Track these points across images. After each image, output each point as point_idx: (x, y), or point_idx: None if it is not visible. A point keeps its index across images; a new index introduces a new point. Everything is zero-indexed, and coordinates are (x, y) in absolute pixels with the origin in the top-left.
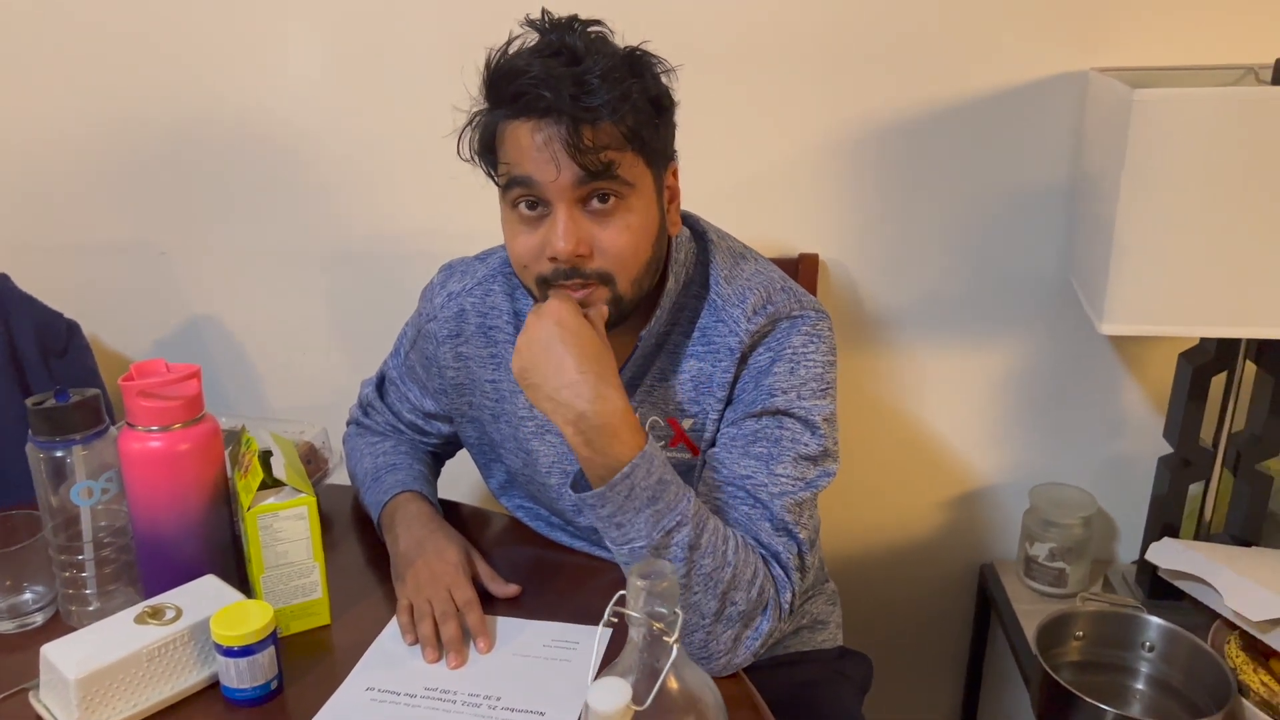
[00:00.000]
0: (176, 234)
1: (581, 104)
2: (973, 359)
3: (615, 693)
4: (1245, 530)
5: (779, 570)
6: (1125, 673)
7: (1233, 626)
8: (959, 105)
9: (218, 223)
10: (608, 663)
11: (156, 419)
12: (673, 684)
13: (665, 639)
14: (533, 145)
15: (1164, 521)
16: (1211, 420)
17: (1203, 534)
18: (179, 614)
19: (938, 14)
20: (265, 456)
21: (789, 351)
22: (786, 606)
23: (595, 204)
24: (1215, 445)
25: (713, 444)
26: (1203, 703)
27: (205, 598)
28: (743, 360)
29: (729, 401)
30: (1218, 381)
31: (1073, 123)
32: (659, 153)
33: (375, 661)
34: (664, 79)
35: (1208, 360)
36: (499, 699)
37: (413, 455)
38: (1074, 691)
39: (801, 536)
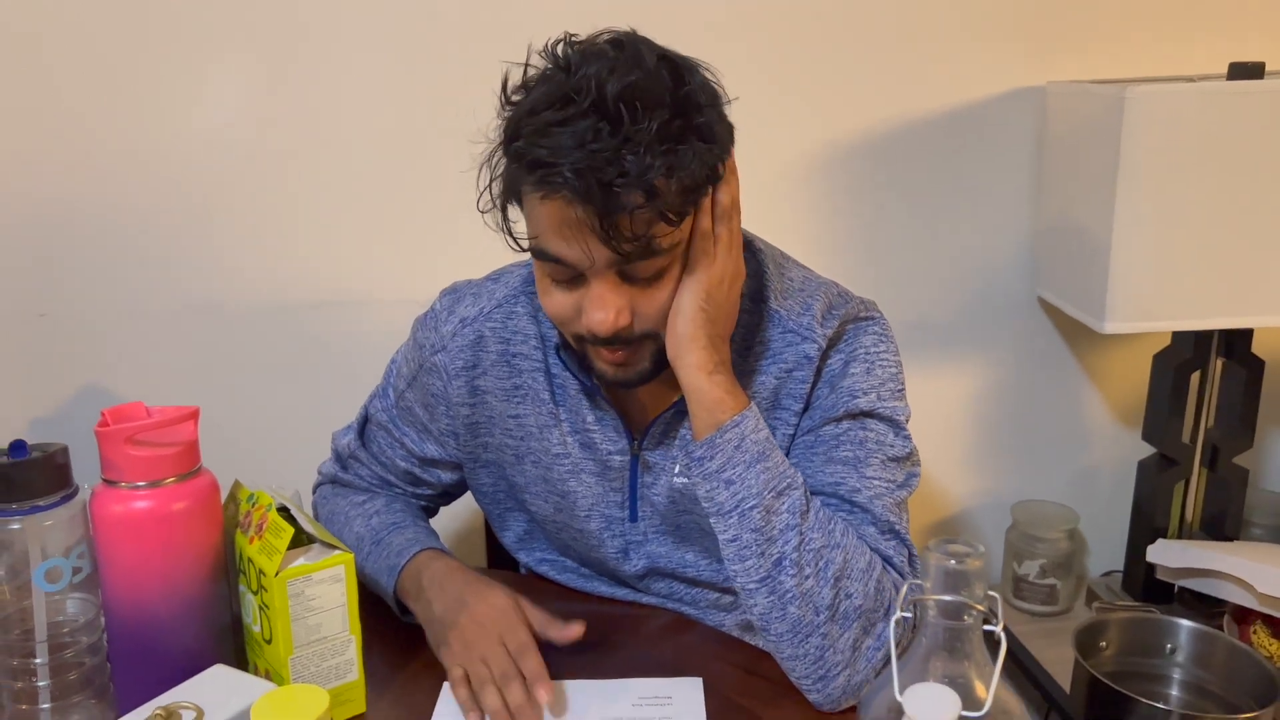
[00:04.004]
0: (57, 293)
1: (618, 189)
2: (944, 381)
3: (943, 702)
4: (1225, 525)
5: (895, 574)
6: (1158, 680)
7: (1243, 619)
8: (920, 127)
9: (104, 278)
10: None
11: (145, 472)
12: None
13: (988, 626)
14: (561, 225)
15: (1150, 524)
16: (1182, 420)
17: (1184, 533)
18: (199, 714)
19: (894, 34)
20: (285, 512)
21: (862, 352)
22: (910, 615)
23: (637, 269)
24: (1193, 443)
25: None
26: (1242, 702)
27: (224, 691)
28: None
29: (803, 413)
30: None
31: (1034, 138)
32: (704, 193)
33: None
34: (718, 114)
35: (1185, 358)
36: None
37: (411, 511)
38: (1134, 697)
39: (907, 538)
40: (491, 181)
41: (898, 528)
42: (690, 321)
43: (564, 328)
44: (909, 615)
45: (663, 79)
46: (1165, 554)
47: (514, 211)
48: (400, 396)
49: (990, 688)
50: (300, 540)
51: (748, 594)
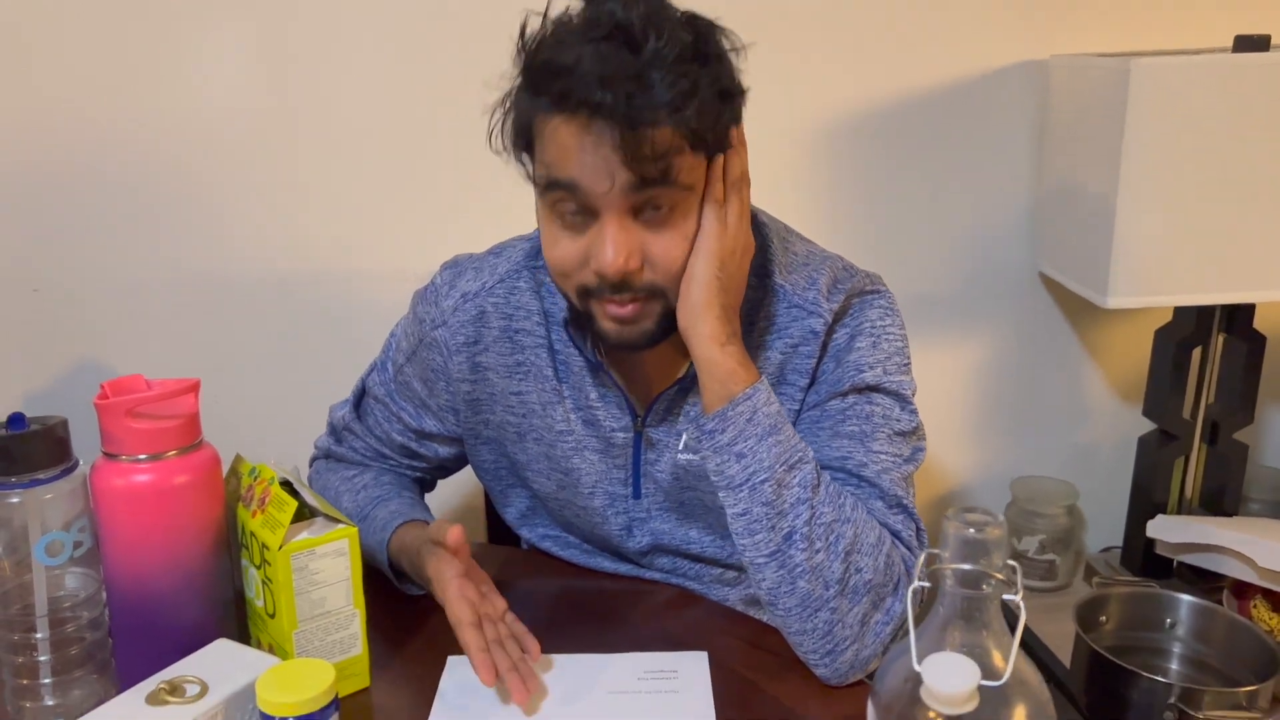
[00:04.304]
0: (54, 269)
1: (641, 105)
2: (944, 357)
3: (961, 671)
4: (1225, 501)
5: (904, 549)
6: (1158, 654)
7: (1243, 593)
8: (921, 101)
9: (99, 252)
10: None
11: (147, 445)
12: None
13: (1007, 595)
14: (580, 148)
15: (1150, 499)
16: (1183, 396)
17: (1184, 509)
18: (204, 688)
19: (895, 7)
20: (288, 485)
21: (868, 326)
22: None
23: (648, 211)
24: (1194, 419)
25: None
26: (1242, 676)
27: (228, 665)
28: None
29: (808, 389)
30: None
31: (1035, 113)
32: (719, 149)
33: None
34: (733, 59)
35: (1187, 334)
36: None
37: (398, 484)
38: (1135, 670)
39: (915, 513)
40: (505, 117)
41: (905, 502)
42: (705, 289)
43: (568, 280)
44: (926, 584)
45: (681, 16)
46: (1165, 529)
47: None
48: (399, 371)
49: (1009, 658)
50: (303, 514)
51: (756, 568)
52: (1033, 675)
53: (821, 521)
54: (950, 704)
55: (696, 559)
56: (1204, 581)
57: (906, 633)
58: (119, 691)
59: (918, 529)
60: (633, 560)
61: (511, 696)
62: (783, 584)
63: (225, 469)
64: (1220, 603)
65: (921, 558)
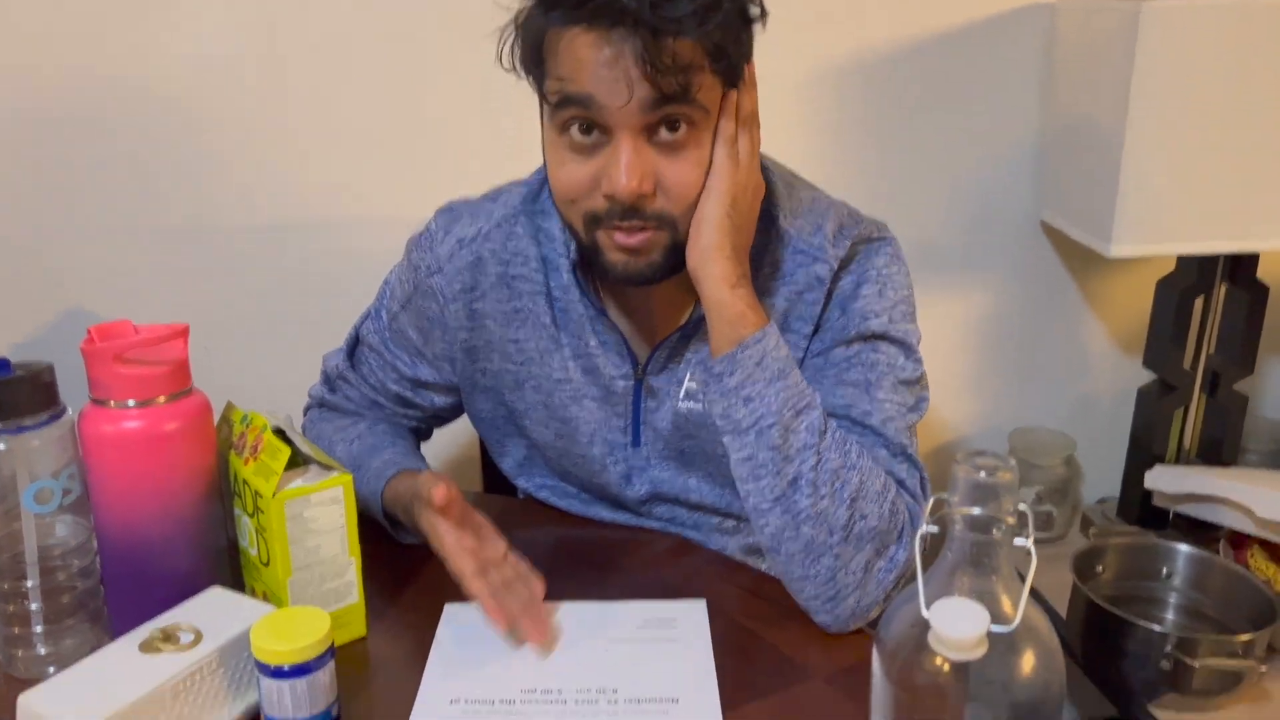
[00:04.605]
0: (39, 216)
1: (665, 14)
2: (944, 306)
3: (970, 616)
4: (1223, 452)
5: (908, 497)
6: (1155, 604)
7: (1239, 543)
8: (925, 45)
9: (86, 197)
10: None
11: (136, 391)
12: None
13: (1018, 541)
14: (598, 60)
15: (1149, 450)
16: (1184, 347)
17: (1182, 460)
18: (198, 636)
19: None
20: (280, 433)
21: (873, 273)
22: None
23: (663, 134)
24: (1194, 370)
25: None
26: (1238, 625)
27: (222, 613)
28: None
29: (813, 336)
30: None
31: (1041, 57)
32: (737, 73)
33: (444, 670)
34: None
35: (1189, 284)
36: (615, 691)
37: (393, 433)
38: (1131, 620)
39: (919, 461)
40: (516, 35)
41: (909, 451)
42: (716, 230)
43: (575, 207)
44: (934, 529)
45: None
46: (1163, 480)
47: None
48: (393, 318)
49: (1020, 604)
50: (296, 461)
51: (760, 514)
52: (1042, 622)
53: (828, 467)
54: (959, 650)
55: (696, 508)
56: (1200, 532)
57: (910, 580)
58: (112, 639)
59: (921, 478)
60: (631, 509)
61: (529, 638)
62: (786, 530)
63: (216, 417)
64: (1217, 553)
65: (928, 505)
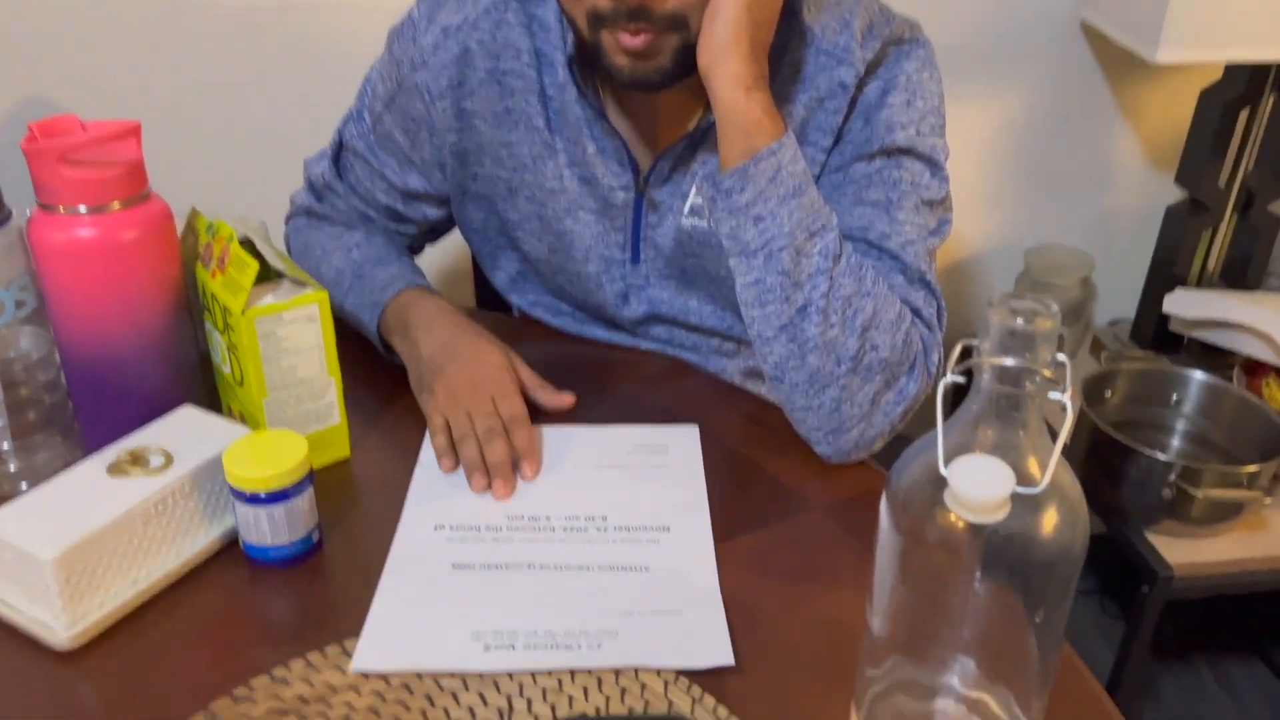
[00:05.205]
0: None
1: None
2: (967, 112)
3: (993, 476)
4: (1248, 275)
5: (922, 327)
6: (1162, 430)
7: (1254, 372)
8: None
9: None
10: None
11: (87, 196)
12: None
13: (1053, 394)
14: None
15: (1170, 272)
16: (1222, 162)
17: (1204, 284)
18: (168, 459)
19: None
20: (248, 244)
21: (903, 80)
22: (934, 368)
23: None
24: (1228, 187)
25: None
26: (1246, 455)
27: (195, 434)
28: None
29: (832, 149)
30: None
31: None
32: None
33: (427, 494)
34: None
35: (1236, 94)
36: (605, 518)
37: (395, 246)
38: (1136, 446)
39: (937, 289)
40: None
41: (928, 277)
42: (733, 23)
43: (578, 4)
44: (960, 379)
45: None
46: (1183, 303)
47: None
48: (377, 120)
49: (1049, 464)
50: (268, 275)
51: (764, 341)
52: (1072, 486)
53: (840, 295)
54: (978, 512)
55: (695, 330)
56: (1215, 359)
57: (915, 420)
58: (85, 455)
59: (939, 306)
60: (627, 330)
61: (496, 495)
62: (791, 359)
63: (180, 226)
64: (1230, 381)
65: (956, 350)
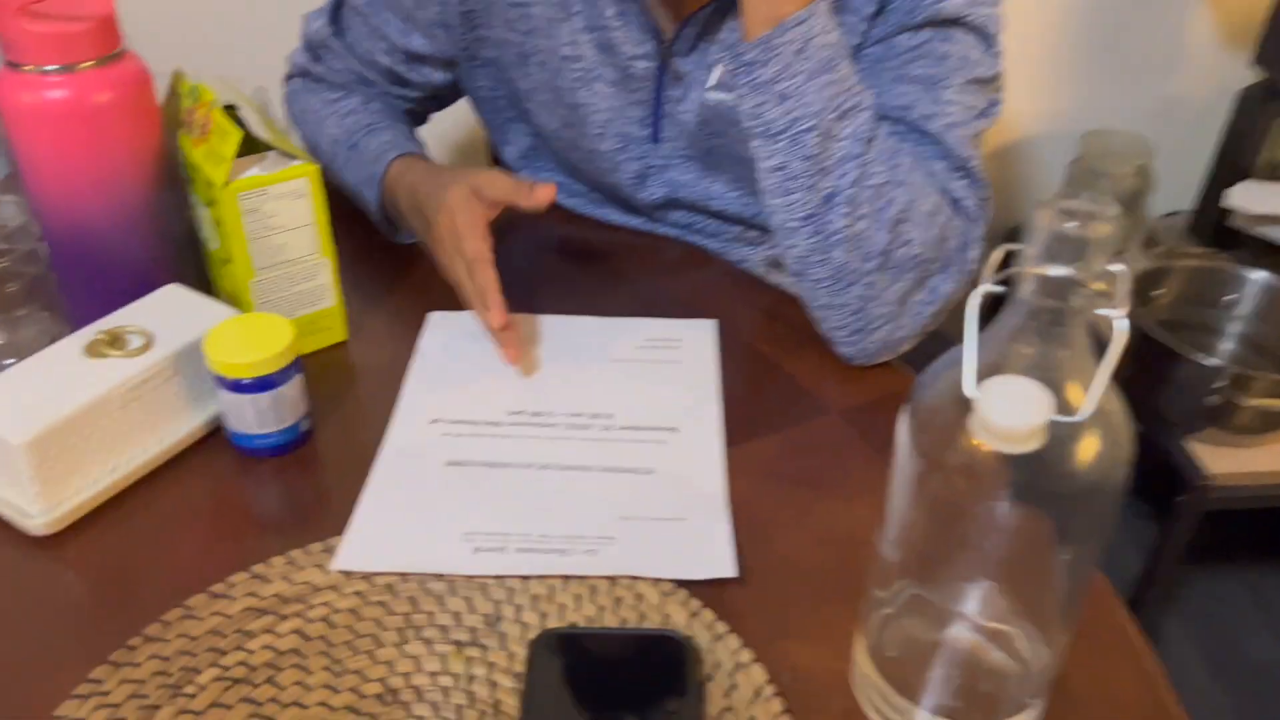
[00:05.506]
0: None
1: None
2: None
3: (1027, 400)
4: None
5: (962, 219)
6: (1212, 334)
7: None
8: None
9: None
10: None
11: (56, 54)
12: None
13: (1105, 311)
14: None
15: (1236, 162)
16: None
17: (1273, 176)
18: (148, 340)
19: None
20: (231, 111)
21: None
22: (971, 266)
23: None
24: None
25: None
26: None
27: (179, 315)
28: None
29: (874, 18)
30: None
31: None
32: None
33: (426, 386)
34: None
35: None
36: (611, 416)
37: (389, 112)
38: (1182, 351)
39: (982, 178)
40: None
41: (971, 164)
42: None
43: None
44: (999, 288)
45: None
46: (1249, 196)
47: None
48: None
49: (1094, 390)
50: (255, 146)
51: (786, 233)
52: (1118, 413)
53: (870, 183)
54: (1008, 440)
55: (717, 215)
56: (1275, 258)
57: (952, 318)
58: (73, 327)
59: (982, 197)
60: (644, 214)
61: (506, 353)
62: (815, 253)
63: (163, 90)
64: None
65: (999, 253)
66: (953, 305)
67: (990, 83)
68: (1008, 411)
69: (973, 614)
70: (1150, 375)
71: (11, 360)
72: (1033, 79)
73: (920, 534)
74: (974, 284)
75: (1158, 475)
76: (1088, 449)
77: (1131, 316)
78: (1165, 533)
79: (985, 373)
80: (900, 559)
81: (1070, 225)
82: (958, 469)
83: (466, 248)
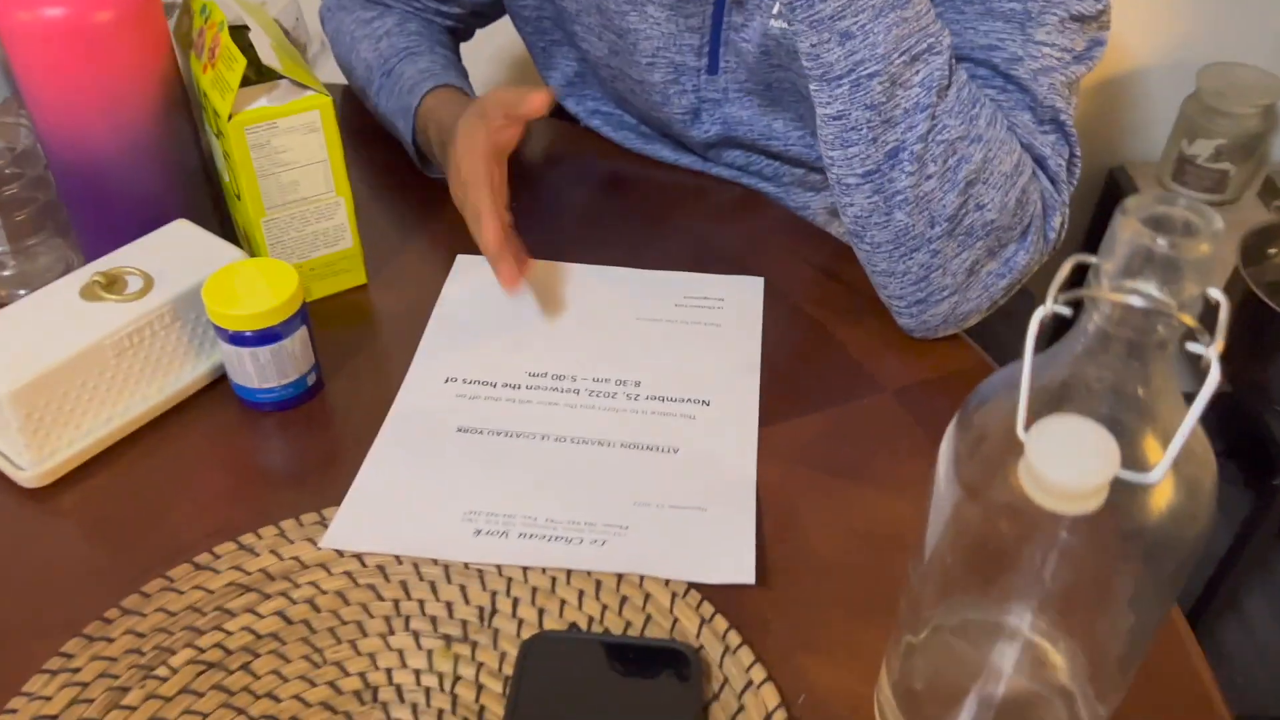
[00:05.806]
0: None
1: None
2: None
3: (1089, 453)
4: None
5: (1045, 181)
6: None
7: None
8: None
9: None
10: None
11: None
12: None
13: (1194, 347)
14: None
15: None
16: None
17: None
18: (148, 283)
19: None
20: (240, 33)
21: None
22: (1054, 235)
23: None
24: None
25: None
26: None
27: (182, 254)
28: None
29: None
30: None
31: None
32: None
33: (444, 340)
34: None
35: None
36: (638, 384)
37: (428, 34)
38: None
39: (1073, 133)
40: None
41: (1062, 117)
42: None
43: None
44: (1065, 311)
45: None
46: None
47: None
48: None
49: (1173, 446)
50: (267, 74)
51: (845, 190)
52: (1203, 465)
53: (942, 138)
54: (1059, 498)
55: (777, 156)
56: None
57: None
58: (85, 259)
59: (1071, 155)
60: (698, 152)
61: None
62: (875, 213)
63: (177, 9)
64: None
65: (1064, 269)
66: (1028, 278)
67: (1093, 20)
68: (1063, 464)
69: (1010, 666)
70: (1253, 341)
71: (23, 291)
72: (1142, 4)
73: (950, 571)
74: (1054, 255)
75: (1253, 446)
76: (1158, 502)
77: (1239, 277)
78: (1259, 511)
79: (1043, 408)
80: (928, 591)
81: (1160, 243)
82: (1001, 509)
83: (472, 199)
